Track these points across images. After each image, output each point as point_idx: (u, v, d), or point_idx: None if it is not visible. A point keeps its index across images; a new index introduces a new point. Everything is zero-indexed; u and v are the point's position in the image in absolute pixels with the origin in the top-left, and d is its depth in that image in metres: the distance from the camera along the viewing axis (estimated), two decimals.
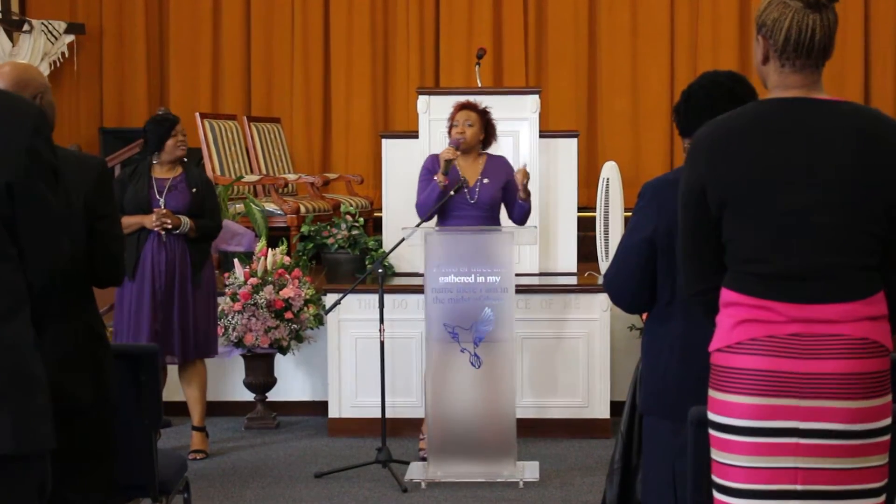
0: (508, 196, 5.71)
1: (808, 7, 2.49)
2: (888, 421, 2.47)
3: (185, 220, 5.65)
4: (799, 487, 2.45)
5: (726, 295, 2.53)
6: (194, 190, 5.72)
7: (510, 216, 5.77)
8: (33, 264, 2.52)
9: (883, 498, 2.50)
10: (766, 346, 2.44)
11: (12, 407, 2.43)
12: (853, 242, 2.47)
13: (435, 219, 5.73)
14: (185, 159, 5.83)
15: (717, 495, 2.55)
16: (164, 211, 5.62)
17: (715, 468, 2.55)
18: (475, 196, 5.65)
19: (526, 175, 5.62)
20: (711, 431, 2.55)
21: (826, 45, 2.52)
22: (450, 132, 5.71)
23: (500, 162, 5.79)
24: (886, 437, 2.47)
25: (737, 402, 2.47)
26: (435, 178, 5.59)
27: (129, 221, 5.59)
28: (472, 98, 5.83)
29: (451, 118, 5.73)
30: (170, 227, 5.60)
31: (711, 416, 2.54)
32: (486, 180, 5.67)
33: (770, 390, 2.43)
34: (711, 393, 2.54)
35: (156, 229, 5.59)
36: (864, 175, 2.47)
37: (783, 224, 2.47)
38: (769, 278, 2.47)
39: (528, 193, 5.64)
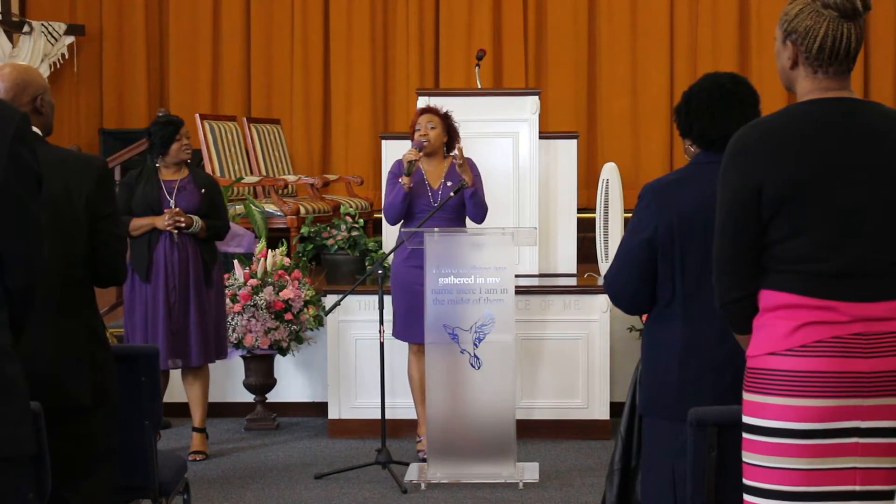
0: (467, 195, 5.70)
1: (843, 16, 2.51)
2: None
3: (197, 220, 5.65)
4: (858, 488, 2.46)
5: (776, 297, 2.51)
6: (203, 190, 5.73)
7: (467, 214, 5.73)
8: (11, 269, 2.50)
9: None
10: (832, 348, 2.44)
11: None
12: None
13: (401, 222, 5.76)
14: (188, 161, 5.83)
15: (757, 500, 2.51)
16: (177, 210, 5.62)
17: (756, 473, 2.52)
18: (437, 199, 5.68)
19: (460, 153, 5.61)
20: (754, 436, 2.51)
21: (858, 50, 2.54)
22: (413, 137, 5.75)
23: (465, 164, 5.75)
24: None
25: (797, 405, 2.44)
26: (400, 180, 5.65)
27: (141, 223, 5.60)
28: (432, 103, 5.90)
29: (413, 123, 5.79)
30: (183, 225, 5.60)
31: (756, 421, 2.51)
32: (448, 183, 5.70)
33: (837, 392, 2.43)
34: (755, 398, 2.51)
35: (168, 229, 5.59)
36: None
37: (841, 221, 2.48)
38: (827, 277, 2.47)
39: (470, 176, 5.62)
